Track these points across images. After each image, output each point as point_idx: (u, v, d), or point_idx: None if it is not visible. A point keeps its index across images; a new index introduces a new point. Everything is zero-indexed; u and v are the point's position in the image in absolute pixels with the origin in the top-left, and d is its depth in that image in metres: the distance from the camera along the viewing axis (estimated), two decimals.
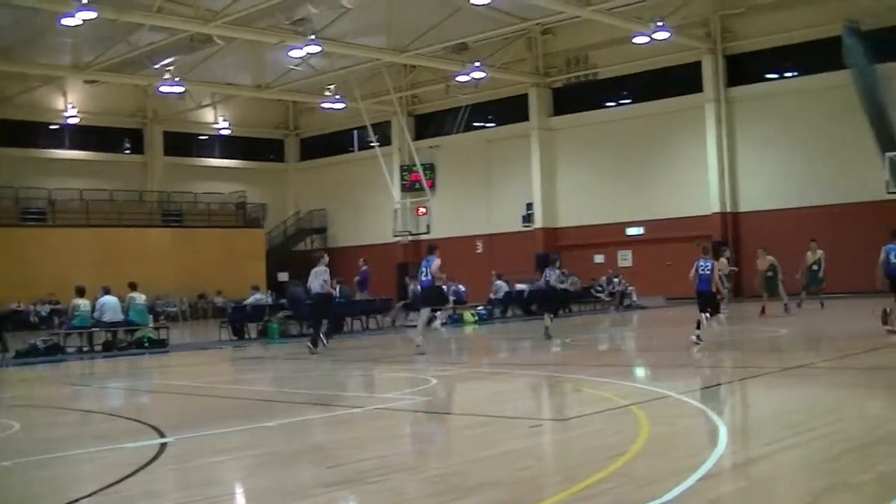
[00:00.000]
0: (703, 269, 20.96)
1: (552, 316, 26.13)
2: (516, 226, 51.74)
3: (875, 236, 35.78)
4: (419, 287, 23.04)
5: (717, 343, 20.78)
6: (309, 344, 23.50)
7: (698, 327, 20.41)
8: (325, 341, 24.00)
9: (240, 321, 31.48)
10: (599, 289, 42.12)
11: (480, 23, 43.13)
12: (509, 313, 38.83)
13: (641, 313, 37.86)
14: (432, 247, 23.47)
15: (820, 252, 31.71)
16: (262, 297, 33.32)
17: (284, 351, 26.08)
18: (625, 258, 48.30)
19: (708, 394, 13.24)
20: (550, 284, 26.48)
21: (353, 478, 8.58)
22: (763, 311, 29.76)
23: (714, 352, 19.53)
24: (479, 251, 53.12)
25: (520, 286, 39.81)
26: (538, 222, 51.12)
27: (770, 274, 30.88)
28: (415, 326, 25.17)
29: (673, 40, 42.16)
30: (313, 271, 24.42)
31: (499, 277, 39.25)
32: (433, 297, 23.10)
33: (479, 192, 54.09)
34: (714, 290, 20.88)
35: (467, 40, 46.00)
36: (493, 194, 53.55)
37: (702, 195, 45.57)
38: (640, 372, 17.87)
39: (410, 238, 54.17)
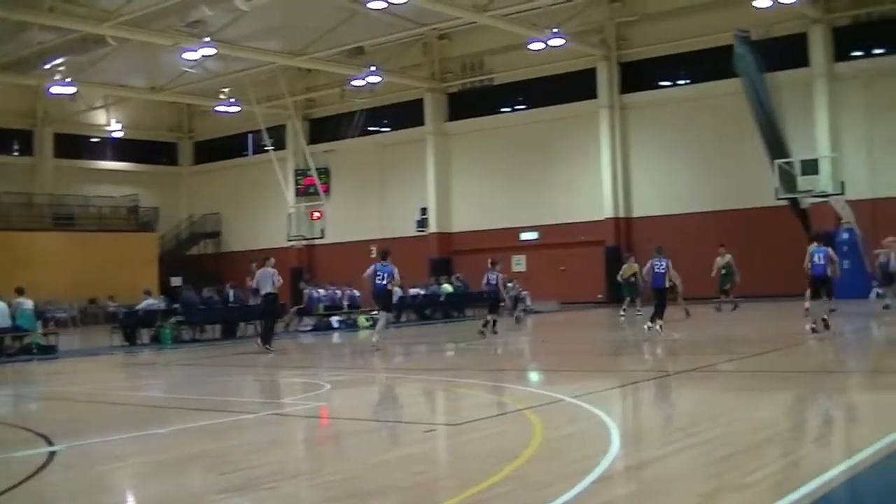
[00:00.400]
0: (658, 269, 23.72)
1: (495, 318, 27.83)
2: (411, 231, 51.70)
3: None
4: (375, 290, 24.26)
5: (613, 347, 21.02)
6: (258, 342, 25.36)
7: (653, 320, 23.50)
8: (260, 342, 25.33)
9: (132, 326, 30.92)
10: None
11: (377, 27, 43.09)
12: (403, 318, 38.83)
13: (536, 318, 38.09)
14: (385, 252, 25.10)
15: (728, 256, 32.58)
16: (154, 301, 32.91)
17: (177, 356, 25.79)
18: (519, 263, 48.52)
19: (601, 397, 13.36)
20: (494, 286, 28.17)
21: (246, 484, 8.52)
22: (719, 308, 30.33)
23: (608, 356, 19.74)
24: (373, 256, 52.89)
25: (414, 291, 39.87)
26: (432, 227, 51.20)
27: (725, 272, 31.24)
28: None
29: (568, 47, 42.58)
30: (260, 272, 25.82)
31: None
32: (382, 301, 24.62)
33: (373, 196, 54.01)
34: (670, 285, 24.20)
35: (363, 44, 45.93)
36: (387, 199, 53.52)
37: (595, 200, 46.05)
38: (534, 376, 18.01)
39: (305, 243, 53.93)
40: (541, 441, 9.85)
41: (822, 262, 22.24)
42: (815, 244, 22.66)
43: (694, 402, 12.65)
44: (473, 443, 10.35)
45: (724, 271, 32.78)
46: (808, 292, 22.91)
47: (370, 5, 36.69)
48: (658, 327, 23.53)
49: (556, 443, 9.95)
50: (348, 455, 10.29)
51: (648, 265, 24.43)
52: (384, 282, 23.92)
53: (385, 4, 36.43)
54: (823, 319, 21.64)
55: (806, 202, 38.06)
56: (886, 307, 28.61)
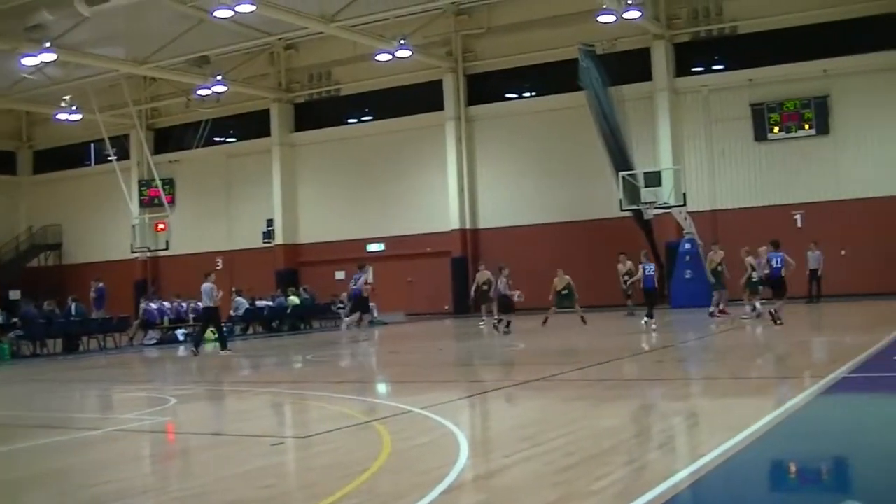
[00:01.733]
0: (648, 271, 26.94)
1: (506, 318, 29.63)
2: (257, 242, 51.24)
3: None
4: (351, 294, 32.55)
5: (461, 358, 21.15)
6: (193, 347, 27.20)
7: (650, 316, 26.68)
8: (196, 350, 26.95)
9: None
10: (341, 305, 42.19)
11: (223, 36, 42.69)
12: (250, 330, 38.53)
13: (383, 329, 38.14)
14: (362, 265, 32.35)
15: (629, 263, 33.67)
16: None
17: (17, 372, 25.13)
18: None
19: (450, 408, 13.43)
20: (502, 292, 30.15)
21: (92, 503, 8.36)
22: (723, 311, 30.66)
23: (456, 367, 19.86)
24: (219, 268, 52.39)
25: (261, 303, 39.59)
26: (279, 239, 50.83)
27: (720, 269, 31.36)
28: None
29: (415, 59, 42.80)
30: (202, 286, 27.20)
31: (238, 294, 38.81)
32: (360, 304, 31.97)
33: (219, 207, 53.41)
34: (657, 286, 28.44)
35: (209, 53, 45.41)
36: (233, 210, 52.99)
37: (442, 212, 46.37)
38: (382, 388, 18.04)
39: (149, 254, 53.09)
40: (390, 452, 9.87)
41: (779, 265, 25.58)
42: (773, 250, 25.84)
43: (540, 412, 12.80)
44: (322, 455, 10.33)
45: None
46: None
47: (216, 14, 36.27)
48: (653, 325, 26.58)
49: (406, 454, 9.98)
50: (195, 470, 10.17)
51: (641, 269, 27.68)
52: (357, 286, 31.33)
53: (231, 13, 36.05)
54: (772, 312, 25.37)
55: (649, 213, 38.87)
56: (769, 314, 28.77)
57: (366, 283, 31.48)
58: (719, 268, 29.86)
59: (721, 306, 30.17)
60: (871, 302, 30.71)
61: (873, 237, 36.54)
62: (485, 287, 33.03)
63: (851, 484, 8.34)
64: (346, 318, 32.69)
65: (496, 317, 30.04)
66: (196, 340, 27.73)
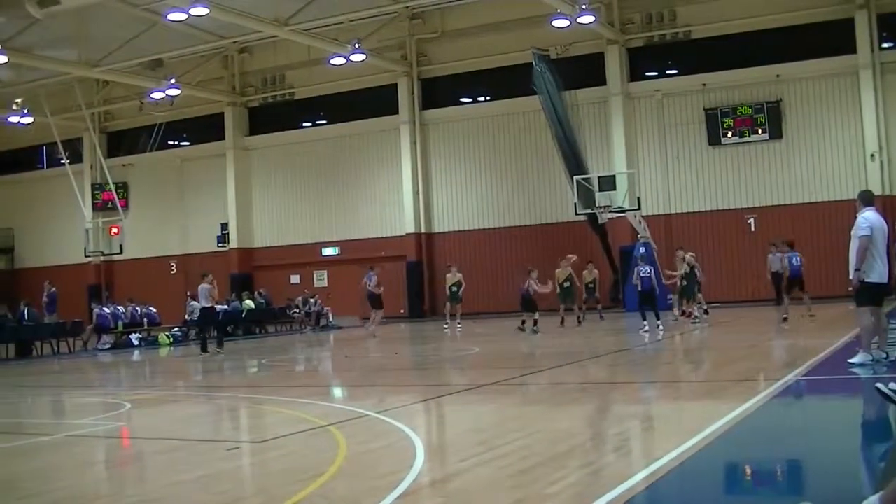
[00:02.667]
0: (644, 273, 26.89)
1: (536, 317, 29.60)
2: (211, 246, 50.95)
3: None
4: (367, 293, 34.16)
5: (416, 361, 21.14)
6: (210, 349, 28.05)
7: (658, 318, 26.65)
8: (206, 347, 28.17)
9: None
10: (296, 310, 42.12)
11: (176, 39, 42.44)
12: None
13: (338, 333, 38.09)
14: (372, 266, 35.09)
15: (596, 272, 34.38)
16: None
17: None
18: (320, 279, 48.43)
19: (405, 412, 13.44)
20: (527, 291, 30.07)
21: None
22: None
23: (412, 370, 19.86)
24: (173, 272, 52.15)
25: (217, 307, 39.34)
26: (234, 243, 50.55)
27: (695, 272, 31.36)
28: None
29: (369, 63, 42.71)
30: (199, 287, 28.87)
31: (193, 298, 38.60)
32: (374, 302, 33.87)
33: (173, 211, 53.04)
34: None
35: (163, 56, 45.03)
36: (187, 214, 52.66)
37: (397, 216, 46.39)
38: (338, 392, 18.00)
39: (103, 259, 52.74)
40: (346, 457, 9.86)
41: (798, 263, 27.94)
42: (790, 250, 28.49)
43: (496, 415, 12.82)
44: (277, 460, 10.30)
45: (590, 285, 34.02)
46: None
47: (169, 17, 36.09)
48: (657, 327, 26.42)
49: (362, 458, 9.97)
50: (149, 476, 10.10)
51: (636, 272, 27.45)
52: (370, 286, 33.42)
53: (185, 16, 35.87)
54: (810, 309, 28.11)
55: (604, 217, 38.99)
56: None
57: (373, 281, 33.71)
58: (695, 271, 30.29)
59: (689, 309, 30.54)
60: (821, 305, 30.91)
61: (824, 241, 36.79)
62: (454, 289, 33.40)
63: (805, 485, 8.40)
64: (371, 322, 33.95)
65: (524, 318, 30.05)
66: (204, 342, 28.77)
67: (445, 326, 34.54)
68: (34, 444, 12.33)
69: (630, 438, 10.96)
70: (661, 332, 25.67)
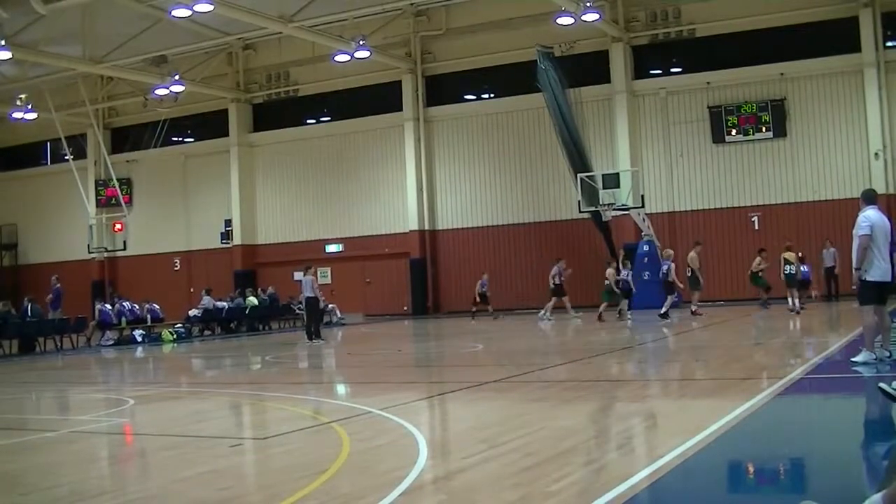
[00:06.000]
0: (624, 275, 30.49)
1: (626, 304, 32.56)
2: (215, 243, 51.00)
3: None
4: None
5: (420, 358, 21.13)
6: (308, 340, 29.51)
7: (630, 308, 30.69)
8: (312, 338, 29.50)
9: None
10: (299, 306, 42.07)
11: (181, 36, 42.48)
12: (208, 332, 38.39)
13: (342, 330, 38.09)
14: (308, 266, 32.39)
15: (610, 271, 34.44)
16: None
17: None
18: (324, 275, 48.38)
19: (409, 409, 13.42)
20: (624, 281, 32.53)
21: None
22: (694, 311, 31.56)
23: (415, 367, 19.84)
24: (176, 268, 52.20)
25: (219, 304, 39.43)
26: (237, 239, 50.57)
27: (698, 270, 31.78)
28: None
29: (374, 59, 42.64)
30: (304, 279, 30.44)
31: (207, 293, 38.90)
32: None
33: (177, 208, 53.06)
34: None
35: (167, 53, 45.09)
36: (191, 210, 52.69)
37: (400, 213, 46.38)
38: (341, 389, 18.00)
39: (106, 255, 52.78)
40: (349, 454, 9.85)
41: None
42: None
43: (499, 413, 12.80)
44: (281, 457, 10.30)
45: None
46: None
47: (174, 13, 36.01)
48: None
49: (365, 455, 9.96)
50: (152, 472, 10.10)
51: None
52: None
53: (189, 13, 35.83)
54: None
55: (608, 215, 38.99)
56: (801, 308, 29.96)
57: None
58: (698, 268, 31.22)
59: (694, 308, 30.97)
60: (825, 304, 30.94)
61: (829, 239, 36.70)
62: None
63: (808, 484, 8.39)
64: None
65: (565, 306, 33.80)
66: (312, 331, 30.07)
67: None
68: (37, 440, 12.35)
69: (633, 436, 10.94)
70: (630, 323, 29.13)
